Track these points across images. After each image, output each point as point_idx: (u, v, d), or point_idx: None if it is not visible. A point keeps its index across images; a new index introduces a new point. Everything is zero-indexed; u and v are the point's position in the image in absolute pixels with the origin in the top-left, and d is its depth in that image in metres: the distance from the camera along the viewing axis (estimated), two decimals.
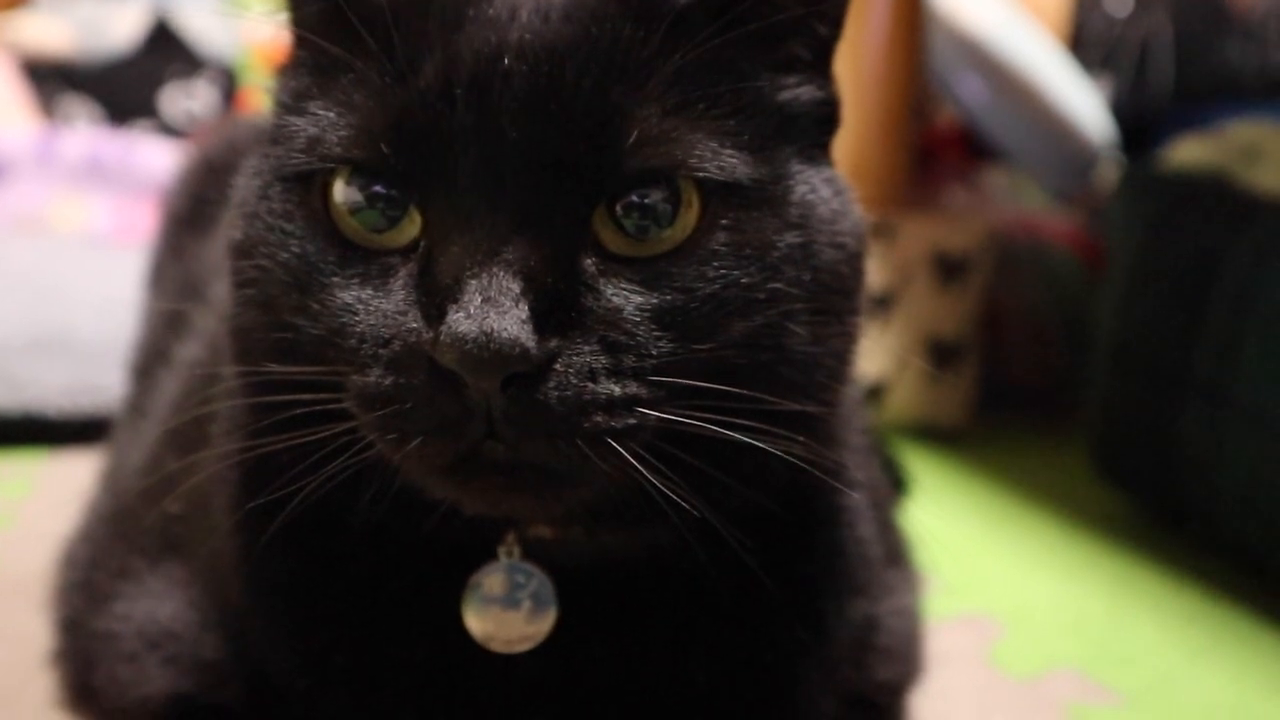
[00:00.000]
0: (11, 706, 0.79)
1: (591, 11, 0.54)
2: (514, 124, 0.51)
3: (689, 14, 0.55)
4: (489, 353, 0.48)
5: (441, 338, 0.49)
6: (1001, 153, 1.86)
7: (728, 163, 0.54)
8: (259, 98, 2.29)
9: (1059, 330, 1.64)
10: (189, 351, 0.84)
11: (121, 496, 0.82)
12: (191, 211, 1.03)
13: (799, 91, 0.59)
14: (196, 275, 0.94)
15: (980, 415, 1.58)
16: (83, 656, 0.75)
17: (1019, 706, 0.89)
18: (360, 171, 0.54)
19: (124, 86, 2.35)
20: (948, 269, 1.53)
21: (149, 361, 0.95)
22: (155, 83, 2.36)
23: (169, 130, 2.31)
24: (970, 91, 1.77)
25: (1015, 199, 1.89)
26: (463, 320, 0.48)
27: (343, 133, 0.54)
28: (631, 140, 0.52)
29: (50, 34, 2.34)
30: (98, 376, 1.35)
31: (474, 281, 0.49)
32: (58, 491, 1.18)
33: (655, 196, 0.53)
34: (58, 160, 1.88)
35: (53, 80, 2.30)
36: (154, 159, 1.90)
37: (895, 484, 1.11)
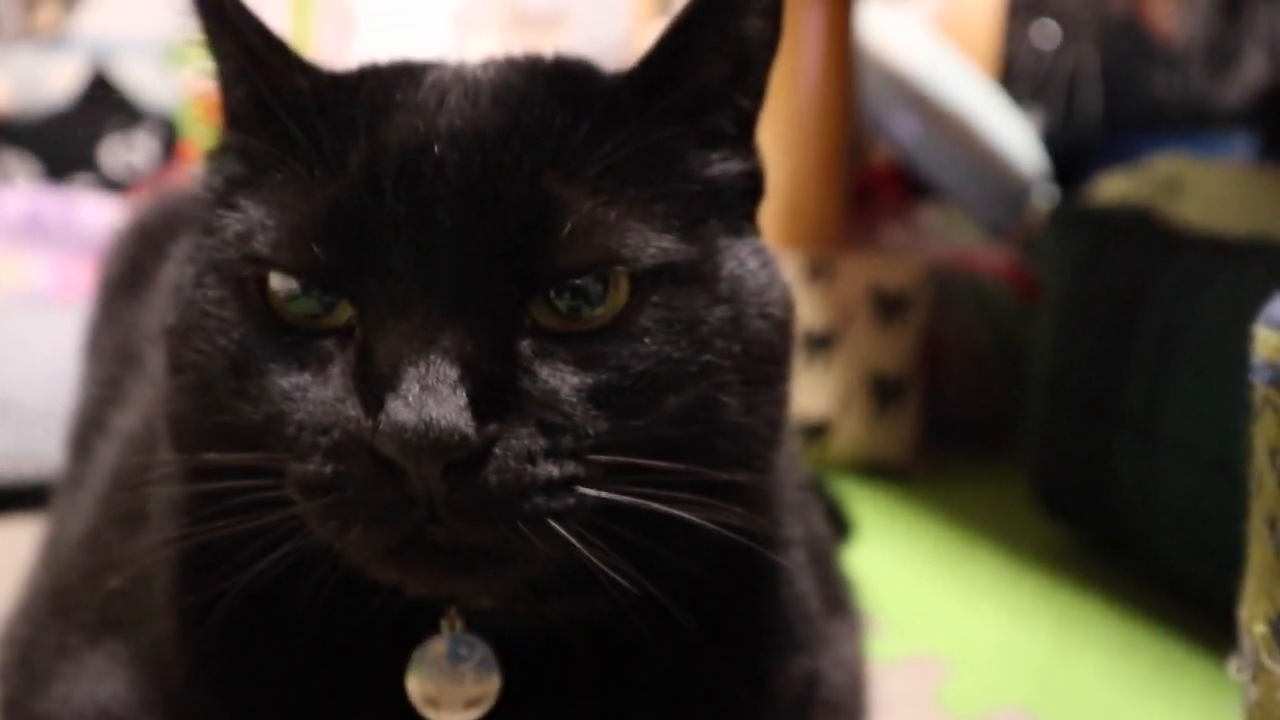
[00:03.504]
0: None
1: (521, 96, 0.55)
2: (447, 212, 0.52)
3: (617, 96, 0.56)
4: (429, 441, 0.48)
5: (381, 427, 0.49)
6: (937, 189, 1.89)
7: (658, 249, 0.55)
8: (200, 149, 2.28)
9: (998, 363, 1.66)
10: (126, 422, 0.84)
11: (60, 572, 0.81)
12: (127, 278, 1.02)
13: (725, 166, 0.61)
14: (133, 343, 0.94)
15: (924, 451, 1.59)
16: None
17: None
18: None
19: (63, 140, 2.33)
20: (887, 306, 1.55)
21: (86, 432, 0.94)
22: (95, 135, 2.35)
23: (110, 183, 2.29)
24: (904, 129, 1.80)
25: (951, 235, 1.92)
26: (402, 409, 0.49)
27: (273, 235, 0.54)
28: (566, 232, 0.53)
29: None
30: (39, 442, 1.33)
31: (412, 369, 0.50)
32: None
33: (586, 280, 0.54)
34: None
35: None
36: (95, 216, 1.88)
37: (838, 527, 1.12)
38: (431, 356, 0.50)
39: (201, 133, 2.29)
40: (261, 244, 0.54)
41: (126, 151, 2.37)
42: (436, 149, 0.53)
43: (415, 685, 0.61)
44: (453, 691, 0.60)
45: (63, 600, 0.78)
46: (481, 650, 0.61)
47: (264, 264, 0.54)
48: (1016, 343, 1.63)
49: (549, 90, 0.55)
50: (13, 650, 0.79)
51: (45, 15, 2.88)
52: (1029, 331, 1.46)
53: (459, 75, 0.59)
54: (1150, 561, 1.18)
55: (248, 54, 0.58)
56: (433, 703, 0.60)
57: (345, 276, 0.53)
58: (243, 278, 0.55)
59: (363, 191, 0.53)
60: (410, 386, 0.49)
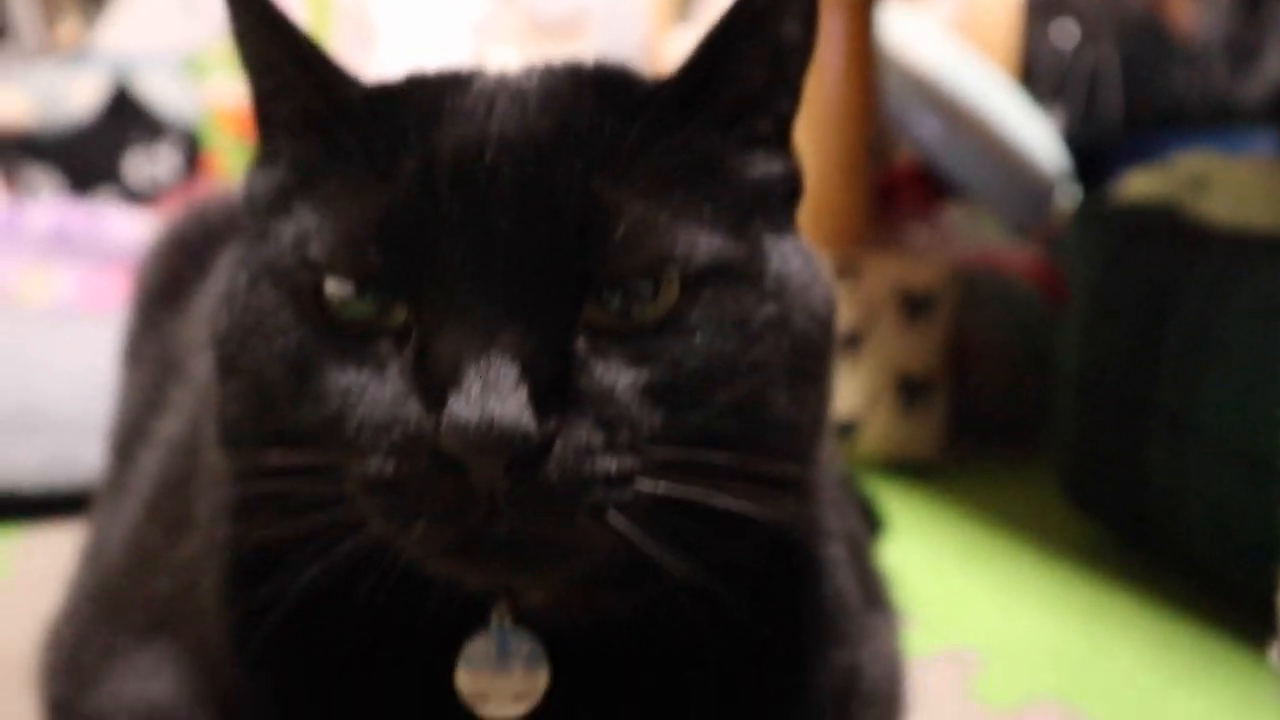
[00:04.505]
0: None
1: (568, 103, 0.56)
2: (502, 215, 0.53)
3: (661, 102, 0.56)
4: (492, 438, 0.49)
5: (444, 425, 0.50)
6: (960, 189, 1.89)
7: (708, 248, 0.56)
8: (222, 161, 2.30)
9: (1025, 361, 1.67)
10: (168, 428, 0.85)
11: (105, 575, 0.82)
12: (165, 287, 1.04)
13: (767, 168, 0.61)
14: (173, 352, 0.95)
15: (952, 448, 1.60)
16: None
17: None
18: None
19: (86, 154, 2.35)
20: (913, 305, 1.55)
21: (128, 439, 0.95)
22: (117, 149, 2.37)
23: (133, 196, 2.31)
24: (926, 130, 1.81)
25: (975, 234, 1.92)
26: (464, 407, 0.49)
27: (328, 241, 0.55)
28: (618, 236, 0.53)
29: (9, 105, 2.34)
30: (73, 451, 1.35)
31: (472, 368, 0.50)
32: (37, 568, 1.17)
33: (638, 280, 0.55)
34: (23, 233, 1.87)
35: (14, 151, 2.30)
36: (120, 228, 1.90)
37: (871, 524, 1.13)
38: (491, 355, 0.51)
39: (224, 145, 2.31)
40: (316, 250, 0.55)
41: (149, 165, 2.39)
42: (488, 155, 0.53)
43: (464, 680, 0.61)
44: (501, 686, 0.61)
45: (109, 603, 0.79)
46: (530, 644, 0.62)
47: (319, 270, 0.55)
48: (1043, 340, 1.63)
49: (595, 97, 0.56)
50: (59, 652, 0.80)
51: (67, 31, 2.90)
52: (1055, 329, 1.46)
53: (504, 83, 0.59)
54: (1182, 555, 1.18)
55: (300, 66, 0.59)
56: (481, 697, 0.61)
57: (401, 280, 0.54)
58: (298, 283, 0.56)
59: (417, 196, 0.53)
60: (472, 384, 0.50)
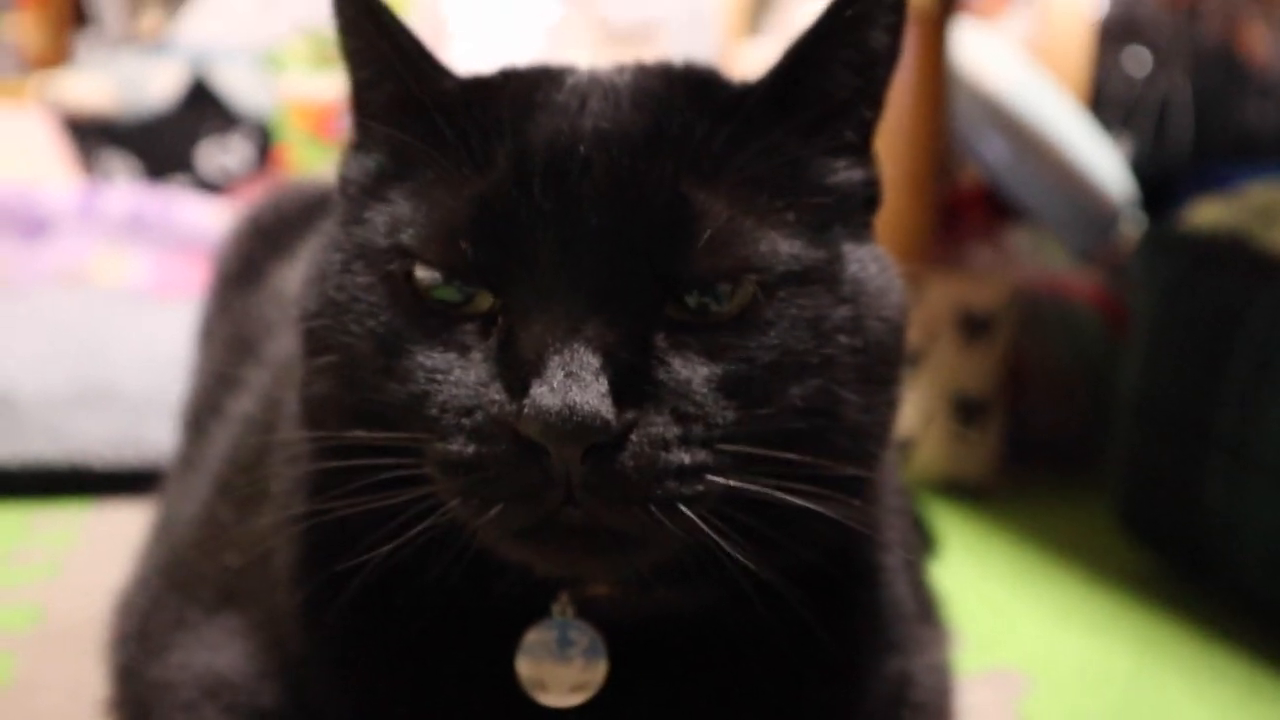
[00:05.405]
0: None
1: (660, 102, 0.57)
2: (593, 210, 0.54)
3: (751, 106, 0.58)
4: (572, 425, 0.50)
5: (526, 410, 0.51)
6: (1024, 212, 1.88)
7: (789, 255, 0.57)
8: (293, 154, 2.34)
9: (1082, 387, 1.66)
10: (241, 406, 0.87)
11: (175, 548, 0.84)
12: (241, 270, 1.06)
13: (849, 174, 0.63)
14: (247, 332, 0.97)
15: (1006, 471, 1.59)
16: (139, 705, 0.77)
17: None
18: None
19: (162, 142, 2.40)
20: (973, 326, 1.55)
21: (200, 415, 0.97)
22: (192, 139, 2.42)
23: (205, 185, 2.36)
24: (993, 151, 1.80)
25: (1038, 257, 1.91)
26: (547, 394, 0.51)
27: (422, 230, 0.57)
28: (704, 241, 0.55)
29: (91, 91, 2.40)
30: (141, 428, 1.38)
31: (556, 357, 0.52)
32: (104, 541, 1.20)
33: (719, 284, 0.56)
34: (100, 215, 1.92)
35: (93, 136, 2.35)
36: (194, 215, 1.94)
37: (924, 542, 1.13)
38: (575, 345, 0.52)
39: (295, 139, 2.34)
40: (410, 238, 0.57)
41: (222, 155, 2.44)
42: (582, 149, 0.55)
43: (525, 667, 0.63)
44: (560, 675, 0.62)
45: (179, 575, 0.81)
46: (590, 636, 0.63)
47: (411, 257, 0.57)
48: (1101, 366, 1.62)
49: (686, 97, 0.57)
50: (129, 622, 0.82)
51: (148, 21, 2.97)
52: (1113, 355, 1.45)
53: (596, 79, 0.61)
54: (1236, 586, 1.17)
55: (400, 57, 0.60)
56: (540, 685, 0.62)
57: (489, 269, 0.56)
58: (390, 267, 0.58)
59: (510, 187, 0.55)
60: (555, 373, 0.51)
